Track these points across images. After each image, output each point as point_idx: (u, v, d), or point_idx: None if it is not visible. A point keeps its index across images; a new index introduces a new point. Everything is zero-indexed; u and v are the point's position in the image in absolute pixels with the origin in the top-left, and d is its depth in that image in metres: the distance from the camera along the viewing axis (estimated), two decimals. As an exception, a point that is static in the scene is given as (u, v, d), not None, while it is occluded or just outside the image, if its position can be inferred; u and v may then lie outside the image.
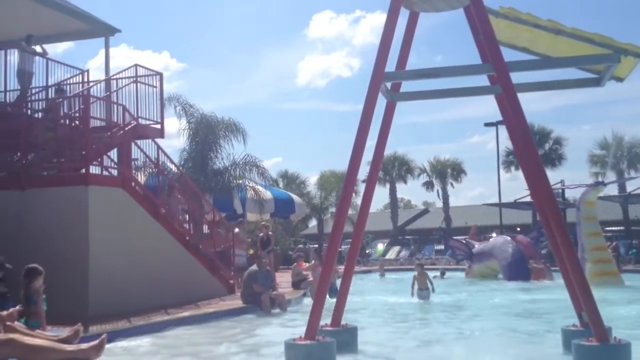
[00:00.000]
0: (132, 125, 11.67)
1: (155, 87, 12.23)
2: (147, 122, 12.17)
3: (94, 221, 9.99)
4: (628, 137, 34.93)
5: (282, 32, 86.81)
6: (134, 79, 11.93)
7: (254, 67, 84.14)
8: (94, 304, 9.66)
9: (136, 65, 12.08)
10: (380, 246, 35.91)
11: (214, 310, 10.60)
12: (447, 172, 42.20)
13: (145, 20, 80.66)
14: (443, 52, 79.01)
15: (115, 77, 12.11)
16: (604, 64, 6.76)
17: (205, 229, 13.89)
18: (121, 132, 11.44)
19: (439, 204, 45.52)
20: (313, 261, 15.47)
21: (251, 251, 17.04)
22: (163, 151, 12.80)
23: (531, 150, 6.51)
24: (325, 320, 6.75)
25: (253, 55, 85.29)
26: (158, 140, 12.51)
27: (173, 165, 14.32)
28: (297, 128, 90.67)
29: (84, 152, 10.61)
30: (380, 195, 44.67)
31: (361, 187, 24.21)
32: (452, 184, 42.71)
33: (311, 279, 13.68)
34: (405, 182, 43.53)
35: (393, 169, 42.11)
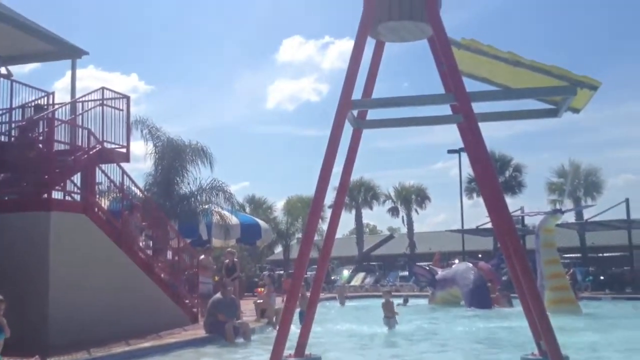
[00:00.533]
0: (97, 149, 11.53)
1: (122, 110, 12.12)
2: (113, 146, 12.03)
3: (55, 247, 9.77)
4: (585, 165, 35.94)
5: (252, 56, 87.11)
6: (100, 101, 11.82)
7: (223, 91, 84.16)
8: (55, 333, 9.39)
9: (103, 88, 11.97)
10: (346, 272, 35.89)
11: (175, 340, 10.40)
12: (411, 198, 42.68)
13: (114, 42, 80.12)
14: (409, 79, 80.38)
15: (81, 99, 11.97)
16: (561, 96, 7.02)
17: (170, 255, 13.68)
18: (85, 156, 11.28)
19: (404, 229, 45.96)
20: (266, 287, 15.38)
21: (216, 278, 16.84)
22: (128, 175, 12.65)
23: (491, 179, 6.66)
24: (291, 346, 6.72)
25: (222, 78, 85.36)
26: (123, 164, 12.38)
27: (138, 190, 14.14)
28: (266, 152, 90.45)
29: (46, 177, 10.42)
30: (346, 221, 44.83)
31: (327, 213, 24.27)
32: (416, 210, 43.28)
33: (264, 305, 13.63)
34: (371, 207, 43.97)
35: (359, 195, 42.42)
